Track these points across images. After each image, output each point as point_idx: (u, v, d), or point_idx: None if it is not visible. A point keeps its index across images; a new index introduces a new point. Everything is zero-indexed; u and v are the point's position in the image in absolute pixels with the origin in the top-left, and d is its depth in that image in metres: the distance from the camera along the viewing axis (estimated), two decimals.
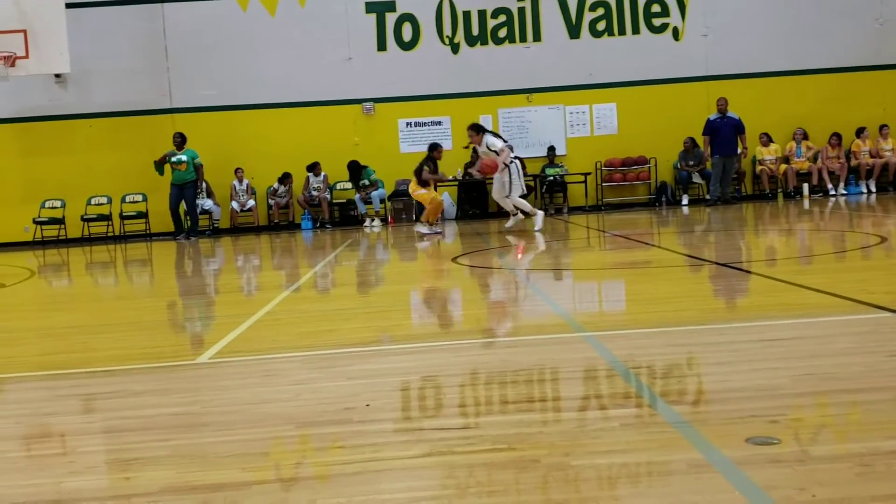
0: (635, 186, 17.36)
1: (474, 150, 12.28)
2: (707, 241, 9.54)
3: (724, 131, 15.62)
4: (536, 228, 11.36)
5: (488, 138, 11.49)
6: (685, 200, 16.75)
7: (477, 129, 11.66)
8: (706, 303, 5.27)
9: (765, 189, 16.83)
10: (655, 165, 17.02)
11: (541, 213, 11.74)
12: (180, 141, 15.75)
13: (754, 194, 17.16)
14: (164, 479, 2.36)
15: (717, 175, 15.87)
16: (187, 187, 15.67)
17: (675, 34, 17.09)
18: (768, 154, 16.84)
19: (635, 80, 17.03)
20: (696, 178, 16.76)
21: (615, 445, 2.41)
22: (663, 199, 16.96)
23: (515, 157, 11.84)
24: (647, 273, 6.91)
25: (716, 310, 4.98)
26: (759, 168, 16.91)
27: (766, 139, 16.81)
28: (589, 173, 16.87)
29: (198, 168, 15.76)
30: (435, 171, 12.48)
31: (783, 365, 3.26)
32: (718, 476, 2.14)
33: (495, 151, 11.33)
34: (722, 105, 15.76)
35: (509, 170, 11.48)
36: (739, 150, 15.82)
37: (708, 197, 16.14)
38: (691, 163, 16.64)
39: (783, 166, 16.78)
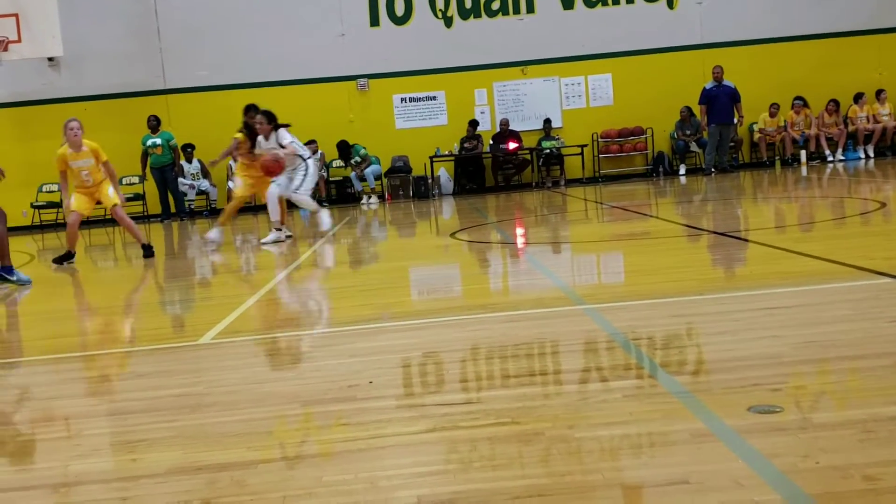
0: (632, 157, 17.32)
1: (254, 141, 9.53)
2: (705, 210, 9.53)
3: (721, 100, 15.57)
4: (324, 227, 9.83)
5: (281, 132, 9.38)
6: (682, 170, 16.72)
7: (270, 118, 9.41)
8: (706, 273, 5.28)
9: (762, 157, 16.80)
10: (652, 136, 16.97)
11: (326, 210, 10.31)
12: (155, 124, 15.89)
13: (752, 162, 17.13)
14: (171, 459, 2.37)
15: (712, 144, 15.84)
16: (166, 170, 15.82)
17: (670, 2, 16.97)
18: (772, 126, 16.78)
19: (630, 49, 16.93)
20: (694, 148, 16.71)
21: (618, 417, 2.43)
22: (661, 169, 16.93)
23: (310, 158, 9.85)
24: (645, 244, 6.91)
25: (715, 279, 4.99)
26: (756, 136, 16.87)
27: (775, 110, 16.74)
28: (585, 145, 16.82)
29: (174, 150, 15.95)
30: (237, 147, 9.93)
31: (784, 333, 3.27)
32: (721, 445, 2.15)
33: (282, 146, 9.31)
34: (718, 73, 15.69)
35: (306, 165, 9.64)
36: (736, 119, 15.77)
37: (703, 166, 16.12)
38: (688, 132, 16.59)
39: (781, 134, 16.73)
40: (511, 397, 2.71)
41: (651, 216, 9.33)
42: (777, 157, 16.72)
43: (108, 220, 16.46)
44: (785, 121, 16.81)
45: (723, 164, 15.84)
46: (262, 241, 9.35)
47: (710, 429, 2.26)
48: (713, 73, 15.72)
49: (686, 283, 4.74)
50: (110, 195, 8.83)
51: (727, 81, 15.62)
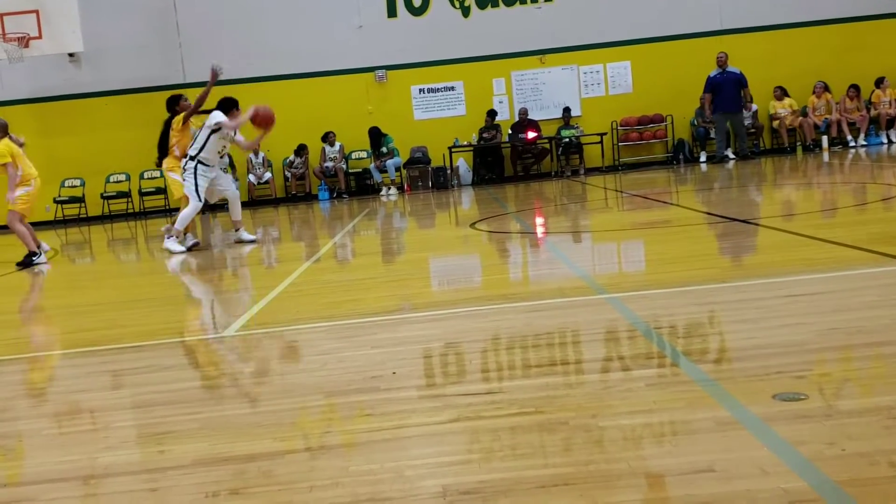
0: (652, 145, 17.23)
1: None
2: (726, 197, 9.47)
3: (726, 87, 15.40)
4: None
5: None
6: (703, 157, 16.61)
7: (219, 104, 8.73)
8: (727, 260, 5.25)
9: (783, 143, 16.65)
10: (672, 123, 16.87)
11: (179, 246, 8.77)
12: None
13: (773, 148, 16.99)
14: (197, 451, 2.40)
15: (720, 133, 15.71)
16: None
17: None
18: (782, 108, 16.63)
19: (649, 36, 16.84)
20: (714, 134, 16.59)
21: (642, 405, 2.43)
22: (681, 156, 16.83)
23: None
24: (666, 232, 6.89)
25: (738, 267, 4.97)
26: (775, 122, 16.72)
27: (781, 93, 16.60)
28: (605, 133, 16.75)
29: None
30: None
31: (808, 320, 3.26)
32: (746, 433, 2.15)
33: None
34: (722, 60, 15.51)
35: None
36: (745, 105, 15.63)
37: (714, 155, 15.98)
38: (708, 119, 16.47)
39: (799, 119, 16.56)
40: (534, 387, 2.71)
41: (672, 204, 9.29)
42: (798, 143, 16.57)
43: (131, 214, 16.60)
44: (805, 106, 16.65)
45: (743, 152, 15.71)
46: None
47: (734, 417, 2.26)
48: (717, 59, 15.56)
49: (708, 270, 4.72)
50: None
51: (732, 67, 15.45)
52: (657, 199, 9.85)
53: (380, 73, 16.96)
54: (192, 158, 8.57)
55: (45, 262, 8.94)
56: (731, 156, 15.86)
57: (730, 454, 2.02)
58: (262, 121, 8.42)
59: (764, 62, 16.27)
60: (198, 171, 8.57)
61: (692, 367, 2.77)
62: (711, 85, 15.49)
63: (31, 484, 2.30)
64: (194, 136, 8.73)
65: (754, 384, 2.51)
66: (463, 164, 16.91)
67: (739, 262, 5.15)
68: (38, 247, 9.06)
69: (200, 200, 8.62)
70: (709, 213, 7.83)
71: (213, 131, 8.52)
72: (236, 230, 8.95)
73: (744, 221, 6.73)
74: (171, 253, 8.49)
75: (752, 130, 16.65)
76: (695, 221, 7.35)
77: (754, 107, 16.58)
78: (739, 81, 15.39)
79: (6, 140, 8.93)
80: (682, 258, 5.29)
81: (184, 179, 8.66)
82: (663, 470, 1.98)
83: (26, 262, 8.77)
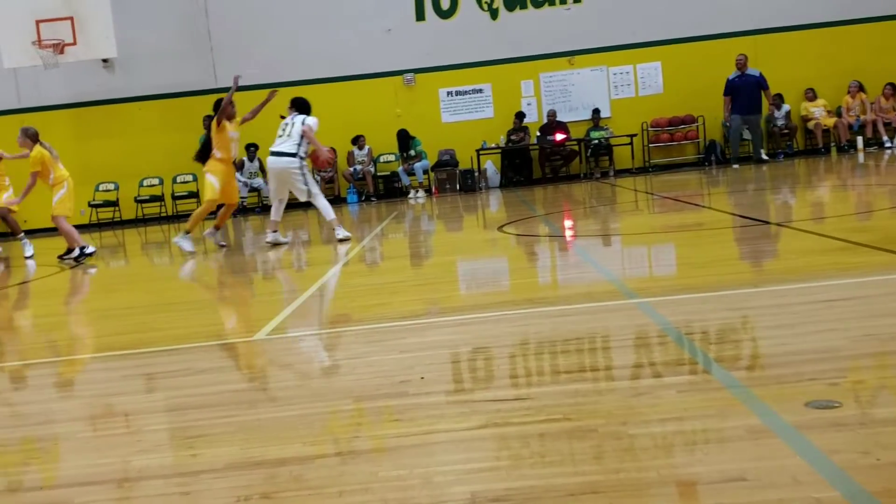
0: (683, 146, 17.11)
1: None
2: (760, 200, 9.38)
3: (745, 90, 15.21)
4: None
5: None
6: (763, 156, 16.30)
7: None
8: (760, 264, 5.20)
9: (817, 144, 16.44)
10: (703, 124, 16.74)
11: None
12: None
13: (806, 149, 16.79)
14: (229, 455, 2.42)
15: (735, 136, 15.54)
16: None
17: None
18: (815, 107, 16.44)
19: (680, 37, 16.72)
20: (747, 135, 16.41)
21: (672, 412, 2.41)
22: (713, 157, 16.68)
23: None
24: (698, 235, 6.83)
25: (771, 271, 4.92)
26: (809, 123, 16.52)
27: (812, 94, 16.40)
28: (635, 135, 16.66)
29: None
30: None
31: (842, 326, 3.22)
32: (779, 441, 2.13)
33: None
34: (741, 62, 15.32)
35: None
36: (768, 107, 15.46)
37: (730, 156, 15.82)
38: (726, 121, 16.29)
39: (833, 119, 16.36)
40: (563, 393, 2.71)
41: (703, 206, 9.21)
42: (833, 144, 16.37)
43: (164, 218, 16.78)
44: (840, 106, 16.44)
45: (758, 156, 15.49)
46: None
47: (766, 424, 2.24)
48: (737, 61, 15.36)
49: (740, 275, 4.68)
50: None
51: (752, 69, 15.27)
52: (688, 202, 9.78)
53: (408, 76, 17.00)
54: (301, 158, 8.75)
55: (79, 262, 9.24)
56: (766, 157, 15.66)
57: (762, 463, 2.00)
58: (317, 161, 8.78)
59: (797, 62, 16.08)
60: (305, 170, 8.79)
61: (724, 374, 2.74)
62: (730, 87, 15.32)
63: (66, 486, 2.33)
64: (232, 139, 9.00)
65: (787, 391, 2.49)
66: (491, 166, 16.90)
67: (771, 266, 5.10)
68: (83, 248, 9.56)
69: (310, 198, 8.81)
70: (741, 216, 7.76)
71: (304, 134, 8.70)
72: (272, 231, 9.04)
73: (777, 224, 6.66)
74: (274, 245, 8.74)
75: (786, 131, 16.46)
76: (727, 224, 7.29)
77: (786, 107, 16.40)
78: (759, 83, 15.20)
79: (38, 147, 9.27)
80: (713, 262, 5.24)
81: (303, 181, 8.76)
82: (694, 478, 1.97)
83: (76, 258, 9.39)
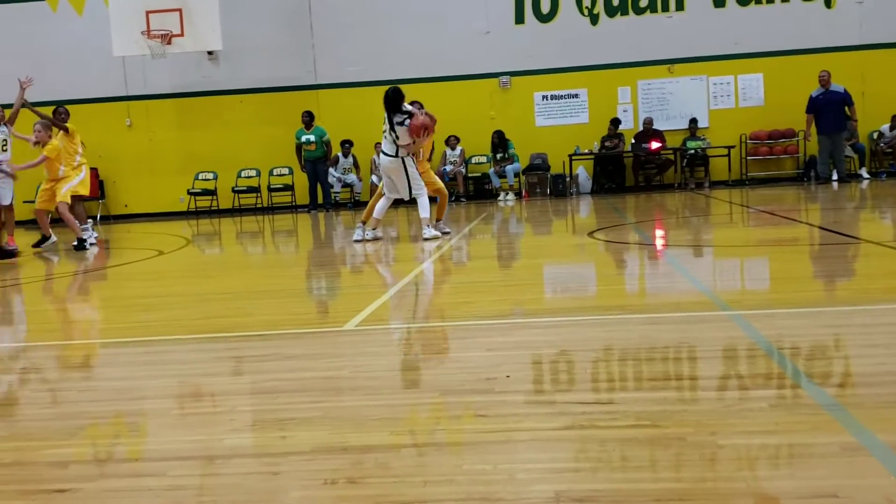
0: (782, 160, 16.65)
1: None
2: (859, 217, 9.06)
3: (829, 107, 14.68)
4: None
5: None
6: (835, 175, 15.92)
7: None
8: (858, 282, 5.04)
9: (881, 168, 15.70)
10: (804, 139, 16.25)
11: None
12: (308, 120, 16.45)
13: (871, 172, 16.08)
14: (317, 439, 2.48)
15: (823, 154, 15.01)
16: (318, 163, 16.43)
17: (827, 1, 16.20)
18: None
19: (784, 49, 16.28)
20: (849, 152, 15.87)
21: (764, 426, 2.37)
22: (812, 173, 16.18)
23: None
24: (794, 251, 6.65)
25: (869, 290, 4.75)
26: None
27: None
28: (733, 146, 16.29)
29: (326, 144, 16.50)
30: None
31: None
32: (874, 460, 2.07)
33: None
34: (824, 79, 14.79)
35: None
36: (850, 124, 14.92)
37: (818, 174, 15.28)
38: (808, 139, 15.77)
39: None
40: (651, 400, 2.68)
41: (800, 222, 8.96)
42: None
43: (260, 209, 17.20)
44: None
45: (841, 175, 14.94)
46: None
47: (861, 443, 2.18)
48: (819, 78, 14.85)
49: (837, 292, 4.54)
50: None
51: (836, 85, 14.72)
52: (785, 216, 9.52)
53: (504, 79, 17.01)
54: (402, 158, 8.81)
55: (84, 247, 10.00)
56: (867, 176, 15.13)
57: (855, 480, 1.95)
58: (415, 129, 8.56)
59: None
60: (409, 164, 8.86)
61: (817, 391, 2.68)
62: (813, 105, 14.83)
63: (160, 460, 2.42)
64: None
65: (884, 411, 2.42)
66: (583, 172, 16.77)
67: (870, 285, 4.93)
68: (82, 239, 10.11)
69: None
70: (839, 233, 7.51)
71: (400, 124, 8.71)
72: (371, 227, 9.04)
73: (877, 244, 6.43)
74: (432, 238, 8.63)
75: (889, 150, 15.85)
76: (825, 241, 7.07)
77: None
78: (844, 100, 14.67)
79: (54, 141, 9.98)
80: (809, 277, 5.10)
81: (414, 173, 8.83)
82: (783, 493, 1.93)
83: (79, 246, 9.97)
